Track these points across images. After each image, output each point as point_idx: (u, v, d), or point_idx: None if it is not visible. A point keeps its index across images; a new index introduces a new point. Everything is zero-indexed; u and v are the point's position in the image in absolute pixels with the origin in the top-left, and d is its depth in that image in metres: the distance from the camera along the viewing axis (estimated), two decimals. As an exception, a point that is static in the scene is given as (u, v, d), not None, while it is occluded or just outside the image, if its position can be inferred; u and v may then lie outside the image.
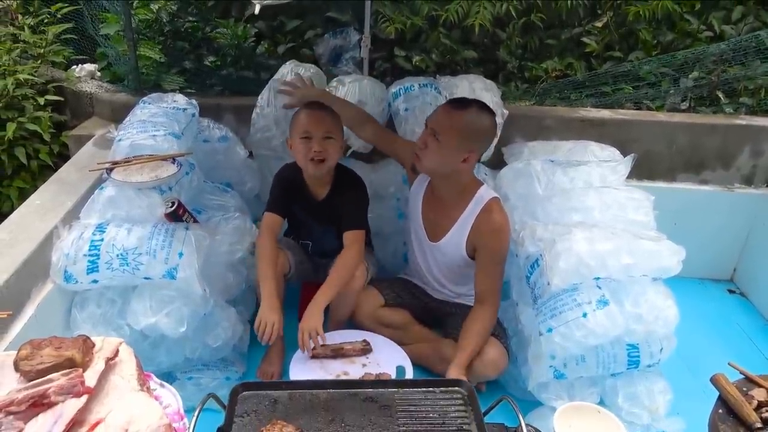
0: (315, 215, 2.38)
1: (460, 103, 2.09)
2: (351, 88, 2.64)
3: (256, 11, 1.65)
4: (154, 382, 1.33)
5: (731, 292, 3.05)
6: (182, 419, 1.26)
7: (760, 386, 1.36)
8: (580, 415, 1.31)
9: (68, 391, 1.11)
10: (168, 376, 2.18)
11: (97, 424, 1.12)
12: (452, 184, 2.16)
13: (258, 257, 2.20)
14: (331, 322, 2.31)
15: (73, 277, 1.97)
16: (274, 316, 2.06)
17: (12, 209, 2.29)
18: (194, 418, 1.17)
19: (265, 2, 1.66)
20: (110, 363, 1.22)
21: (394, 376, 1.97)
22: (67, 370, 1.14)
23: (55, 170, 2.50)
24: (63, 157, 2.80)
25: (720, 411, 1.33)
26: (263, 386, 1.32)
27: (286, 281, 2.32)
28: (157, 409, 1.17)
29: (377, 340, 2.14)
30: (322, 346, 2.06)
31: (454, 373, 2.01)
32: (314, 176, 2.26)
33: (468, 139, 2.04)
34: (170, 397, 1.31)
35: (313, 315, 2.07)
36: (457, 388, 1.31)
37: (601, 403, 2.13)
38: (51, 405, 1.10)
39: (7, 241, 1.94)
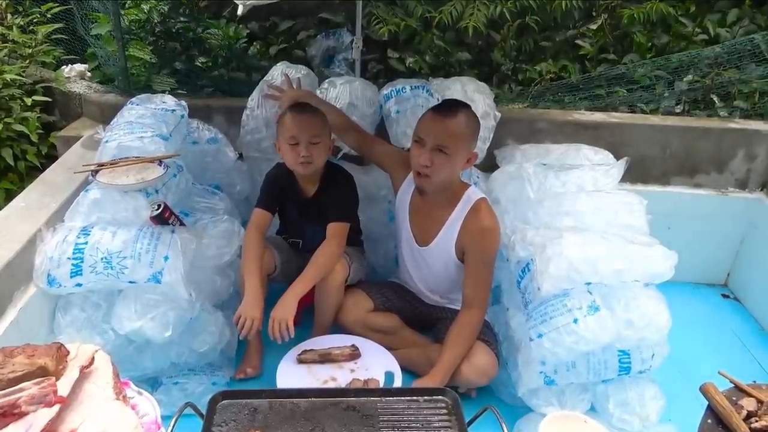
0: (305, 213, 2.37)
1: (449, 109, 2.05)
2: (342, 89, 2.62)
3: (240, 12, 1.63)
4: (132, 390, 1.30)
5: (725, 296, 3.03)
6: (159, 428, 1.23)
7: (750, 396, 1.34)
8: (567, 425, 1.29)
9: (40, 400, 1.09)
10: (154, 381, 2.16)
11: (69, 434, 1.09)
12: (444, 189, 2.14)
13: (244, 252, 2.19)
14: (315, 327, 2.29)
15: (56, 281, 1.94)
16: (255, 311, 2.04)
17: (-1, 211, 2.26)
18: (170, 427, 1.14)
19: (248, 3, 1.63)
20: (85, 371, 1.20)
21: (382, 382, 1.95)
22: (39, 379, 1.11)
23: (43, 171, 2.48)
24: (51, 158, 2.77)
25: (709, 421, 1.30)
26: (243, 395, 1.29)
27: (270, 281, 2.30)
28: (132, 418, 1.14)
29: (366, 345, 2.12)
30: (310, 350, 2.04)
31: (429, 382, 2.00)
32: (303, 176, 2.26)
33: (471, 140, 2.08)
34: (148, 405, 1.28)
35: (287, 305, 2.04)
36: (441, 397, 1.29)
37: (592, 409, 2.11)
38: (22, 415, 1.08)
39: (-11, 244, 1.91)
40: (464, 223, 2.13)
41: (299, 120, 2.14)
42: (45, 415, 1.08)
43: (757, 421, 1.27)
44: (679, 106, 3.09)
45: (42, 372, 1.13)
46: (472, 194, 2.15)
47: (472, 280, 2.14)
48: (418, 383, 2.02)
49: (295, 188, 2.32)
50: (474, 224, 2.11)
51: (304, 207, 2.35)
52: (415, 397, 1.30)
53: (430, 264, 2.27)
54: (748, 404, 1.32)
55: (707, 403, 1.38)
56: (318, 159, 2.18)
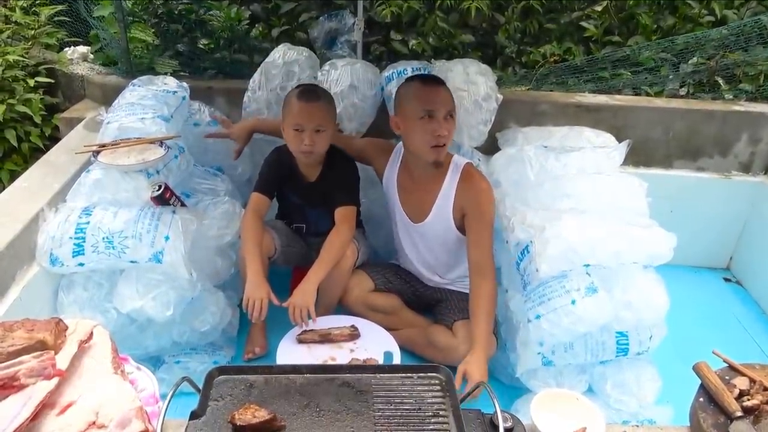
0: (307, 197, 2.38)
1: (438, 79, 2.15)
2: (343, 71, 2.61)
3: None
4: (131, 366, 1.32)
5: (727, 280, 3.03)
6: (157, 402, 1.25)
7: (743, 375, 1.35)
8: (559, 401, 1.30)
9: (39, 373, 1.10)
10: (156, 360, 2.18)
11: (68, 406, 1.11)
12: None
13: (243, 236, 2.20)
14: (320, 307, 2.30)
15: (59, 260, 1.97)
16: (261, 292, 2.05)
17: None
18: (167, 401, 1.16)
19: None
20: (83, 346, 1.21)
21: (381, 362, 1.96)
22: (38, 353, 1.13)
23: (46, 153, 2.49)
24: (55, 139, 2.79)
25: (701, 399, 1.31)
26: (239, 370, 1.31)
27: (270, 264, 2.31)
28: (129, 392, 1.16)
29: (365, 326, 2.13)
30: (310, 331, 2.06)
31: (475, 361, 1.94)
32: (305, 162, 2.26)
33: None
34: (146, 380, 1.30)
35: (307, 292, 2.06)
36: (434, 374, 1.30)
37: (590, 390, 2.12)
38: (21, 387, 1.09)
39: (-8, 224, 1.93)
40: (459, 189, 2.15)
41: (306, 108, 2.12)
42: (44, 387, 1.09)
43: (749, 400, 1.27)
44: (683, 89, 3.06)
45: (41, 346, 1.15)
46: (459, 161, 2.20)
47: (477, 241, 2.12)
48: (462, 368, 1.94)
49: (296, 173, 2.32)
50: (470, 187, 2.14)
51: (306, 192, 2.35)
52: (408, 374, 1.31)
53: (428, 239, 2.28)
54: (741, 383, 1.32)
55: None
56: (321, 147, 2.18)
